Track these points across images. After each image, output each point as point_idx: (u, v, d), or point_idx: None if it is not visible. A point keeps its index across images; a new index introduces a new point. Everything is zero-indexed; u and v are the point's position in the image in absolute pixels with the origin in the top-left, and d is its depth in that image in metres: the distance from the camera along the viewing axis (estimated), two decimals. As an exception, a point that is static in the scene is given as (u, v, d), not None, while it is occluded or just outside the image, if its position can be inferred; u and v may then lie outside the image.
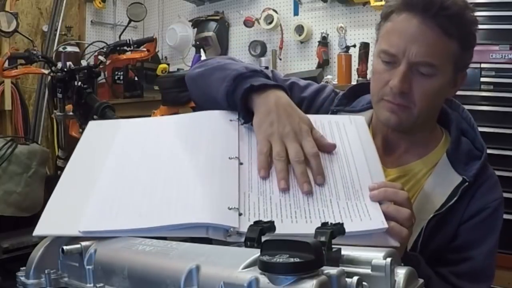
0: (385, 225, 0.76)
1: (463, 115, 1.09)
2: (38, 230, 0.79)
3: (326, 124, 0.97)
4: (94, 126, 1.04)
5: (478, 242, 0.98)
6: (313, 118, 0.99)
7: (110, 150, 0.93)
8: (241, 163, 0.86)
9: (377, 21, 1.04)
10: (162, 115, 2.54)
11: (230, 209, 0.76)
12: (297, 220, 0.77)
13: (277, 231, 0.68)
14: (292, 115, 0.90)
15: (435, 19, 0.92)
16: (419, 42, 0.93)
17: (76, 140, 2.79)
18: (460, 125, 1.07)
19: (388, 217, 0.78)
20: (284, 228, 0.74)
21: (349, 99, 1.15)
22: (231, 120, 0.96)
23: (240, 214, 0.76)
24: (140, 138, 0.96)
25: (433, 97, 0.98)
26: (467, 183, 0.97)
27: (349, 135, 0.95)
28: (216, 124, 0.96)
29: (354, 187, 0.84)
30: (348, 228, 0.67)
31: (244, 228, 0.70)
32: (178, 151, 0.91)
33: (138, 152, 0.92)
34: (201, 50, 3.43)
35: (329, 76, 3.05)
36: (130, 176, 0.87)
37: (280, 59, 3.52)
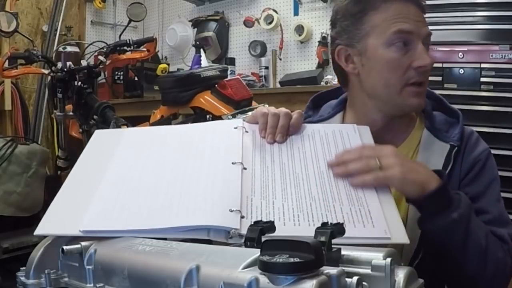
0: (388, 234, 0.76)
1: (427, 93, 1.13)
2: (39, 230, 0.79)
3: (330, 133, 0.98)
4: (99, 135, 1.05)
5: (481, 193, 1.00)
6: (318, 127, 1.01)
7: (115, 155, 0.94)
8: (244, 168, 0.86)
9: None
10: (162, 115, 2.54)
11: (231, 211, 0.76)
12: (299, 223, 0.77)
13: (278, 233, 0.68)
14: None
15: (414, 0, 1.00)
16: (419, 18, 0.99)
17: (76, 140, 2.78)
18: (429, 102, 1.11)
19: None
20: (286, 230, 0.74)
21: (314, 110, 1.19)
22: (235, 128, 0.97)
23: (242, 217, 0.76)
24: (145, 145, 0.97)
25: None
26: (456, 148, 1.02)
27: (352, 144, 0.96)
28: (220, 131, 0.97)
29: (357, 194, 0.84)
30: (350, 233, 0.67)
31: (245, 230, 0.70)
32: (182, 156, 0.91)
33: (142, 157, 0.93)
34: (201, 50, 3.42)
35: (329, 76, 3.05)
36: (133, 179, 0.88)
37: (280, 59, 3.52)
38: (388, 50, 0.98)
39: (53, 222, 0.81)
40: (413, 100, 1.00)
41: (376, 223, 0.78)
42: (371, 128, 1.02)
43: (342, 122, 1.12)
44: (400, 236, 0.77)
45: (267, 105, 2.19)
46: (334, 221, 0.73)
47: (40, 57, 2.49)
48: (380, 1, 0.99)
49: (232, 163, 0.87)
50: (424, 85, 1.01)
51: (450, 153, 1.01)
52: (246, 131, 0.96)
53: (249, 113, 2.13)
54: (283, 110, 0.98)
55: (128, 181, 0.87)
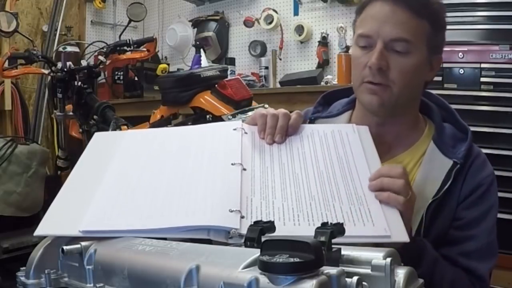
0: (388, 233, 0.76)
1: (438, 102, 1.13)
2: (39, 231, 0.80)
3: (329, 133, 0.98)
4: (99, 137, 1.05)
5: (478, 220, 1.00)
6: (317, 127, 1.01)
7: (115, 157, 0.94)
8: (244, 169, 0.87)
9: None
10: (162, 115, 2.54)
11: (231, 211, 0.76)
12: (299, 223, 0.77)
13: (278, 233, 0.68)
14: None
15: (405, 2, 0.98)
16: (392, 21, 0.98)
17: (76, 140, 2.78)
18: (439, 112, 1.10)
19: (384, 188, 0.83)
20: (286, 230, 0.74)
21: (324, 106, 1.21)
22: (234, 129, 0.97)
23: (242, 217, 0.76)
24: (145, 147, 0.97)
25: (411, 76, 1.01)
26: (458, 165, 1.00)
27: (352, 143, 0.96)
28: (219, 133, 0.97)
29: (357, 193, 0.84)
30: (350, 232, 0.67)
31: (245, 230, 0.70)
32: (182, 157, 0.92)
33: (142, 159, 0.94)
34: (201, 50, 3.42)
35: (329, 76, 3.05)
36: (133, 180, 0.88)
37: (280, 59, 3.52)
38: (355, 47, 1.05)
39: (53, 223, 0.81)
40: (365, 97, 1.03)
41: (376, 222, 0.78)
42: (370, 126, 1.03)
43: (349, 120, 1.13)
44: (400, 234, 0.78)
45: (267, 105, 2.19)
46: (334, 221, 0.73)
47: (40, 57, 2.49)
48: (367, 2, 1.03)
49: (232, 164, 0.87)
50: (381, 85, 1.00)
51: (451, 170, 1.00)
52: (245, 133, 0.97)
53: (249, 113, 2.13)
54: (281, 111, 0.99)
55: (128, 182, 0.87)
